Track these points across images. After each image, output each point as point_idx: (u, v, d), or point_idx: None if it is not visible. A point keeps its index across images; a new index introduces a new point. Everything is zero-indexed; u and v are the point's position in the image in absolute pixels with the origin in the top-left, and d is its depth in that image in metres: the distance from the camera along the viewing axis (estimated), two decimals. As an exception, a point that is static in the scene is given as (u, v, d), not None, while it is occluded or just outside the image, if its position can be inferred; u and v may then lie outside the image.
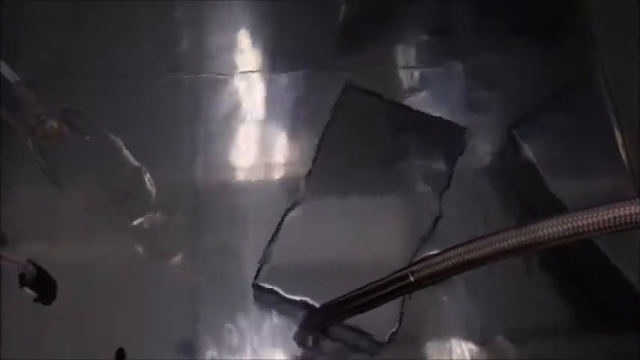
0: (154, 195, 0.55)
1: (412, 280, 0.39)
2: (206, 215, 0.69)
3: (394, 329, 0.59)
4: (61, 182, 0.49)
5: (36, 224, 0.67)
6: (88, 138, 0.47)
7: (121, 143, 0.51)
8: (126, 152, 0.52)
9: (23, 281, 0.44)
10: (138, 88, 0.73)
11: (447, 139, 0.68)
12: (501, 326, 0.65)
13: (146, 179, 0.55)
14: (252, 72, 0.75)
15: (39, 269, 0.45)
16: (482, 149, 0.72)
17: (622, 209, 0.31)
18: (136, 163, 0.54)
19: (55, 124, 0.45)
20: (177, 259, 0.68)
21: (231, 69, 0.75)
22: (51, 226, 0.67)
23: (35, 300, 0.46)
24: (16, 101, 0.43)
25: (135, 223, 0.57)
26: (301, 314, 0.62)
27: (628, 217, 0.31)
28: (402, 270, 0.40)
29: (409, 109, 0.70)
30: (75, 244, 0.67)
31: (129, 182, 0.53)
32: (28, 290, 0.45)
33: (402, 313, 0.60)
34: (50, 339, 0.63)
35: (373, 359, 0.64)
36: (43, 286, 0.46)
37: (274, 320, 0.65)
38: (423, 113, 0.69)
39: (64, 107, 0.47)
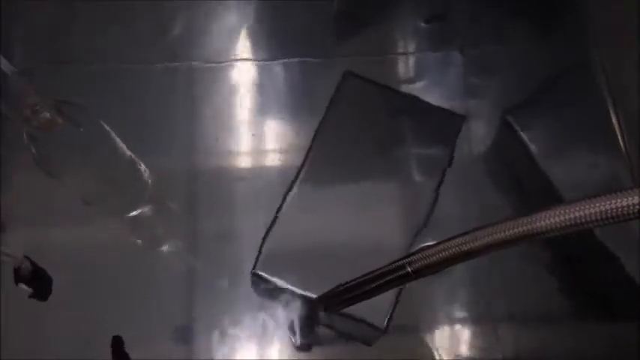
0: (149, 185, 0.55)
1: (409, 270, 0.39)
2: (203, 203, 0.69)
3: (390, 315, 0.60)
4: (56, 173, 0.48)
5: (34, 213, 0.67)
6: (82, 129, 0.47)
7: (115, 133, 0.51)
8: (120, 143, 0.51)
9: (19, 277, 0.44)
10: (132, 76, 0.72)
11: (444, 126, 0.68)
12: (500, 314, 0.66)
13: (141, 169, 0.55)
14: (248, 59, 0.75)
15: (34, 265, 0.45)
16: (479, 136, 0.71)
17: (621, 200, 0.31)
18: (131, 154, 0.53)
19: (49, 115, 0.45)
20: (174, 246, 0.68)
21: (227, 56, 0.75)
22: (49, 214, 0.67)
23: (30, 296, 0.46)
24: (12, 91, 0.43)
25: (131, 214, 0.56)
26: (299, 302, 0.62)
27: (627, 208, 0.31)
28: (399, 260, 0.40)
29: (407, 95, 0.70)
30: (73, 232, 0.67)
31: (124, 173, 0.53)
32: (23, 286, 0.45)
33: (398, 299, 0.60)
34: (47, 327, 0.63)
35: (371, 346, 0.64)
36: (39, 282, 0.46)
37: (272, 308, 0.65)
38: (420, 100, 0.69)
39: (58, 97, 0.46)
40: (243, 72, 0.74)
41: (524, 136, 0.64)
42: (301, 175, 0.65)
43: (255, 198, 0.69)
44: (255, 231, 0.64)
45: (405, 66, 0.75)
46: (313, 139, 0.67)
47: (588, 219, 0.32)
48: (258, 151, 0.71)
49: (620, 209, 0.31)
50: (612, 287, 0.64)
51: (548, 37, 0.75)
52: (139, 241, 0.67)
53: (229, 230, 0.68)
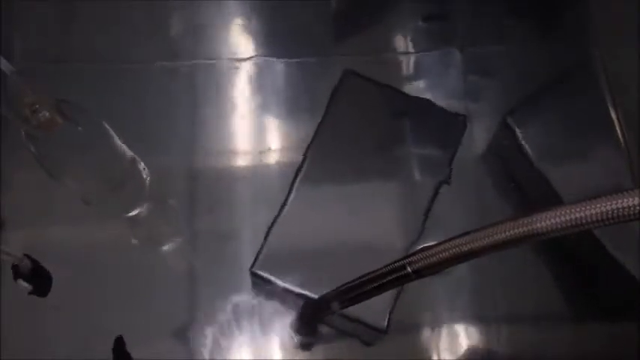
0: (148, 185, 0.55)
1: (409, 270, 0.39)
2: (203, 202, 0.69)
3: (390, 315, 0.60)
4: (55, 173, 0.48)
5: (34, 213, 0.67)
6: (81, 129, 0.46)
7: (114, 133, 0.51)
8: (120, 142, 0.51)
9: (18, 274, 0.44)
10: (132, 75, 0.72)
11: (445, 126, 0.68)
12: (500, 314, 0.66)
13: (141, 169, 0.55)
14: (248, 59, 0.75)
15: (34, 262, 0.45)
16: (479, 136, 0.72)
17: (622, 201, 0.31)
18: (131, 153, 0.53)
19: (49, 114, 0.45)
20: (174, 245, 0.68)
21: (226, 56, 0.75)
22: (49, 214, 0.67)
23: (30, 293, 0.46)
24: (11, 91, 0.43)
25: (131, 214, 0.56)
26: (299, 302, 0.62)
27: (628, 209, 0.31)
28: (399, 261, 0.40)
29: (407, 95, 0.70)
30: (73, 231, 0.67)
31: (124, 172, 0.53)
32: (22, 283, 0.45)
33: (397, 299, 0.60)
34: (47, 327, 0.63)
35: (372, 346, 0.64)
36: (38, 279, 0.46)
37: (272, 307, 0.65)
38: (421, 99, 0.69)
39: (58, 97, 0.46)
40: (243, 71, 0.74)
41: (523, 137, 0.64)
42: (301, 175, 0.65)
43: (255, 198, 0.69)
44: (255, 231, 0.64)
45: (405, 65, 0.75)
46: (313, 139, 0.67)
47: (589, 220, 0.32)
48: (258, 151, 0.71)
49: (620, 210, 0.31)
50: (612, 287, 0.64)
51: (548, 37, 0.75)
52: (139, 241, 0.67)
53: (229, 230, 0.68)
